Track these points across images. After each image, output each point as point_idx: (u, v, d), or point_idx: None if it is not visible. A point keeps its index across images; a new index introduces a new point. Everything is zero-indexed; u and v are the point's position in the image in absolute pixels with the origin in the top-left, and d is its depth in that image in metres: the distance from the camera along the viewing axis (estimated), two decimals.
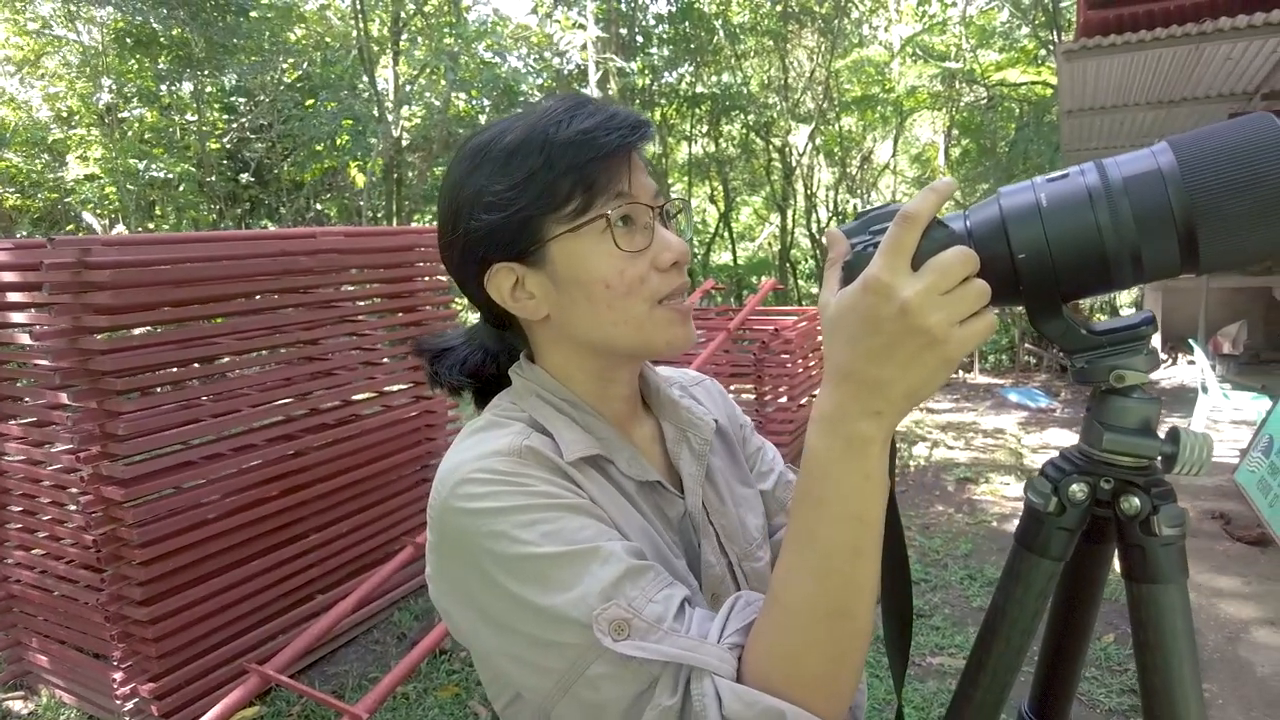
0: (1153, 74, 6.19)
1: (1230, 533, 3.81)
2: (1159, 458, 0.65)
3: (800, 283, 14.84)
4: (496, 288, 0.76)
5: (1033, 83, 13.56)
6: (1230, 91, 6.76)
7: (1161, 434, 0.65)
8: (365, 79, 11.86)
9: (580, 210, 0.71)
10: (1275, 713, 2.47)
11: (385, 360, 3.58)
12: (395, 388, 3.67)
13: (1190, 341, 6.29)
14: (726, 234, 15.55)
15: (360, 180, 12.77)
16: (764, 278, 12.02)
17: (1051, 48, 11.80)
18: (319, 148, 11.83)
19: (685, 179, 15.12)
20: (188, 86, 11.75)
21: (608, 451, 0.76)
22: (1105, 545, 0.73)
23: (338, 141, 11.58)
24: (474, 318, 0.88)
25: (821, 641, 0.61)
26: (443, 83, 11.69)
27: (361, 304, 3.51)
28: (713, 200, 15.69)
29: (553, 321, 0.77)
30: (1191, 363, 7.26)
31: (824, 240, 0.71)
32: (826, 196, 15.20)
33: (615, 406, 0.81)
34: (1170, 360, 8.42)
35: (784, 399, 5.36)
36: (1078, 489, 0.67)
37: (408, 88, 12.63)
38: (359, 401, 3.50)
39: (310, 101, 11.74)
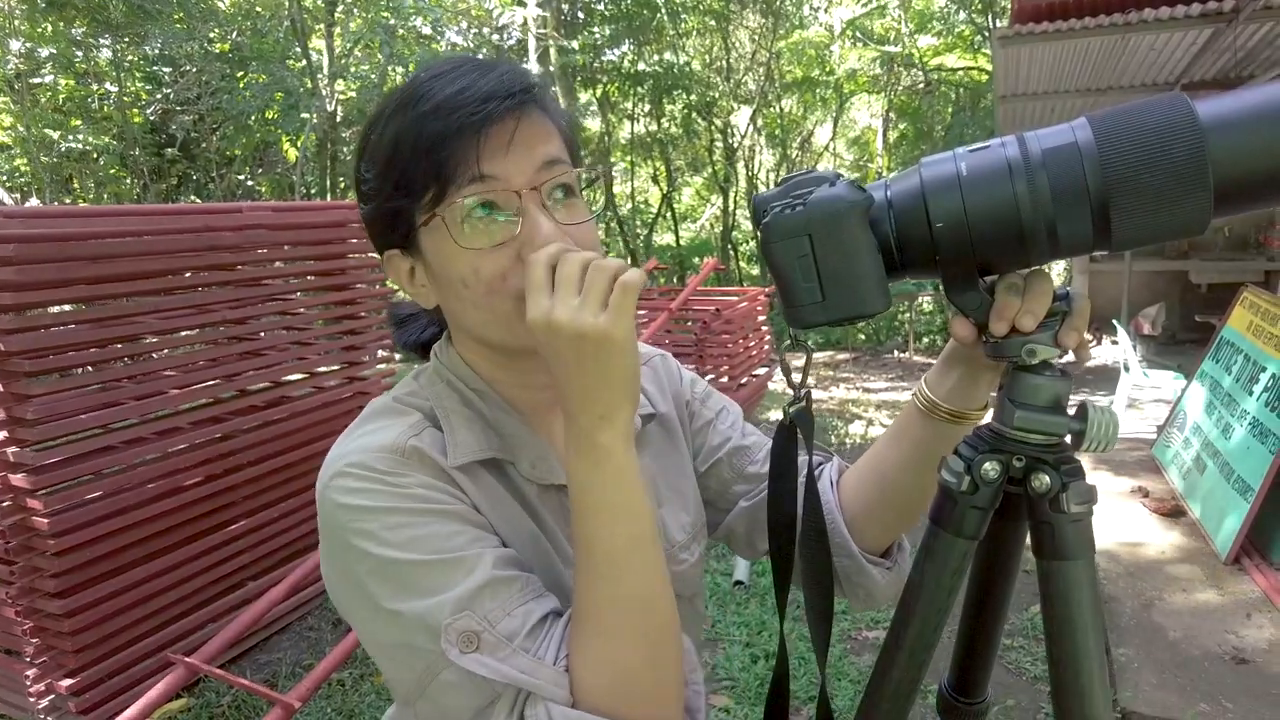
0: (1082, 62, 6.37)
1: (1148, 505, 3.98)
2: (1069, 435, 0.66)
3: (742, 264, 14.93)
4: (394, 273, 0.74)
5: (969, 68, 13.84)
6: (1153, 81, 7.00)
7: (1071, 411, 0.67)
8: (298, 51, 11.46)
9: (436, 199, 0.66)
10: (1184, 673, 2.60)
11: (317, 340, 3.48)
12: (327, 368, 3.58)
13: (1114, 323, 6.53)
14: (669, 214, 15.53)
15: (293, 155, 12.38)
16: (706, 258, 12.07)
17: (987, 34, 12.04)
18: (250, 121, 11.40)
19: (628, 158, 15.05)
20: (106, 54, 11.19)
21: (507, 453, 0.73)
22: (1020, 522, 0.73)
23: (268, 115, 11.17)
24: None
25: (631, 637, 0.63)
26: (379, 56, 11.37)
27: (294, 281, 3.41)
28: (655, 180, 15.65)
29: (445, 310, 0.74)
30: (1115, 343, 7.54)
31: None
32: (768, 178, 15.28)
33: (534, 395, 0.76)
34: (1095, 341, 8.73)
35: (725, 378, 5.40)
36: (990, 467, 0.67)
37: (343, 60, 12.25)
38: (290, 383, 3.40)
39: (241, 74, 11.29)
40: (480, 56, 0.81)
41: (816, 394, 7.60)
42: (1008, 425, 0.66)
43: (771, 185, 0.65)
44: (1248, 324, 4.03)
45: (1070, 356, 0.69)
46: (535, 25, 10.57)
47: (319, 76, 11.28)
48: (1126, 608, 3.02)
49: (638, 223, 15.67)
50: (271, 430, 3.18)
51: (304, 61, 11.23)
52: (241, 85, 11.00)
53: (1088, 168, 0.56)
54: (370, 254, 3.69)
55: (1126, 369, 5.72)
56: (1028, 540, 0.72)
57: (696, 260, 14.42)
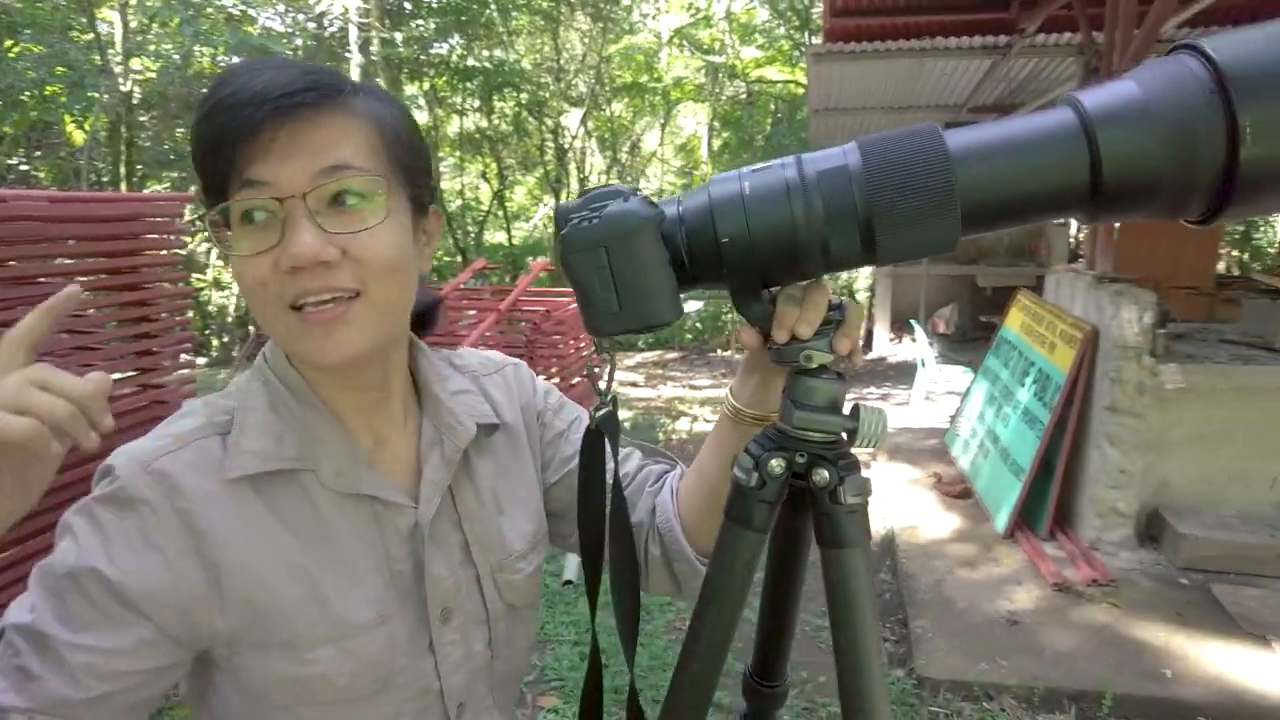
0: (885, 82, 6.92)
1: (941, 489, 4.37)
2: (844, 433, 0.72)
3: None
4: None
5: (788, 81, 14.62)
6: (946, 103, 7.70)
7: (847, 411, 0.73)
8: (84, 21, 10.32)
9: (219, 203, 0.65)
10: (968, 639, 2.89)
11: (106, 344, 3.16)
12: (119, 375, 3.26)
13: (912, 322, 7.11)
14: (501, 213, 15.35)
15: (79, 138, 11.15)
16: (538, 258, 12.01)
17: (803, 49, 12.77)
18: (24, 97, 10.14)
19: (457, 154, 14.74)
20: None
21: (308, 460, 0.71)
22: (808, 515, 0.80)
23: (48, 90, 10.00)
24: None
25: None
26: (181, 37, 10.45)
27: (84, 279, 3.07)
28: (485, 178, 15.42)
29: None
30: (915, 341, 8.22)
31: None
32: (599, 181, 15.45)
33: (350, 396, 0.74)
34: (897, 339, 9.48)
35: (556, 379, 5.41)
36: (775, 464, 0.71)
37: (139, 37, 11.17)
38: None
39: (11, 42, 10.02)
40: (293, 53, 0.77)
41: (646, 392, 7.77)
42: (790, 424, 0.71)
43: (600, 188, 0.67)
44: (1020, 324, 4.53)
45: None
46: (357, 14, 10.11)
47: (110, 52, 10.22)
48: (922, 584, 3.31)
49: (468, 220, 15.38)
50: None
51: (91, 34, 10.14)
52: (12, 55, 9.77)
53: (856, 190, 0.61)
54: (176, 250, 3.40)
55: (923, 365, 6.25)
56: None
57: (530, 259, 14.35)
